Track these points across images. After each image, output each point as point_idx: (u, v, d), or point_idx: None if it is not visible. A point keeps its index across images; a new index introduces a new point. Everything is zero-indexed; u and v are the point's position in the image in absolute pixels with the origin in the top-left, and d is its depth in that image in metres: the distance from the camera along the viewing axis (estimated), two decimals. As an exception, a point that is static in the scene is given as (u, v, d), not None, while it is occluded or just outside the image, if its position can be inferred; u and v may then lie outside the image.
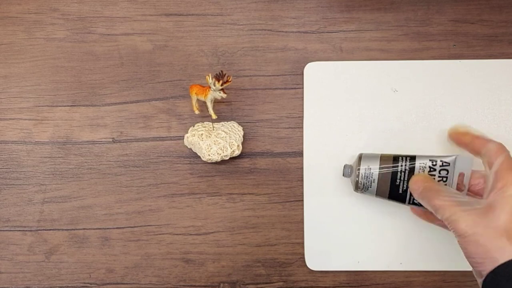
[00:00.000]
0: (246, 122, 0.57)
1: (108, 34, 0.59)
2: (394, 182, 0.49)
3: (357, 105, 0.56)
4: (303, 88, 0.57)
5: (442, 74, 0.56)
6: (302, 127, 0.57)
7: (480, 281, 0.41)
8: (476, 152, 0.47)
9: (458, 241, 0.42)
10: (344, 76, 0.57)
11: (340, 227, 0.56)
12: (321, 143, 0.56)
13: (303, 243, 0.56)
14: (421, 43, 0.58)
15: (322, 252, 0.55)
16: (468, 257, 0.41)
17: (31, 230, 0.57)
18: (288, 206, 0.56)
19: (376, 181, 0.50)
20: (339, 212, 0.56)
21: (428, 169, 0.48)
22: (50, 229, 0.57)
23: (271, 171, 0.57)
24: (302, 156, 0.56)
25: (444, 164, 0.48)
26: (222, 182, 0.57)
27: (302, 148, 0.57)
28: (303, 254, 0.56)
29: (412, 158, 0.49)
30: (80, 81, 0.58)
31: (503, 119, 0.56)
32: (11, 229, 0.57)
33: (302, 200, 0.56)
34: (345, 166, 0.53)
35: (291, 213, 0.56)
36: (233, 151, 0.54)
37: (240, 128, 0.56)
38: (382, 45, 0.58)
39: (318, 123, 0.57)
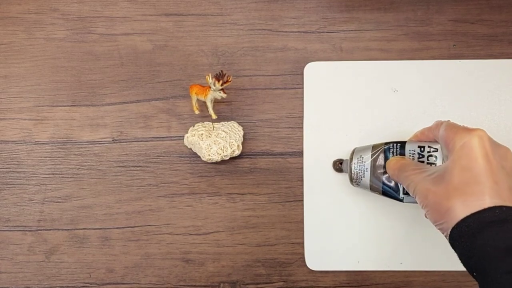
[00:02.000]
0: (246, 122, 0.57)
1: (108, 34, 0.59)
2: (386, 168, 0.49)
3: (357, 105, 0.56)
4: (303, 88, 0.57)
5: (442, 74, 0.56)
6: (302, 127, 0.57)
7: None
8: (433, 139, 0.47)
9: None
10: (344, 76, 0.57)
11: (340, 227, 0.56)
12: (321, 143, 0.56)
13: (303, 243, 0.56)
14: (421, 43, 0.58)
15: (322, 252, 0.55)
16: (434, 225, 0.40)
17: (31, 230, 0.57)
18: (288, 206, 0.56)
19: (368, 170, 0.49)
20: (339, 212, 0.56)
21: (417, 155, 0.48)
22: (50, 229, 0.57)
23: (271, 171, 0.57)
24: (302, 156, 0.56)
25: (432, 150, 0.47)
26: (222, 182, 0.57)
27: (302, 148, 0.57)
28: (303, 254, 0.56)
29: (402, 144, 0.49)
30: (80, 81, 0.59)
31: (503, 119, 0.56)
32: (11, 229, 0.57)
33: (302, 200, 0.56)
34: (343, 162, 0.53)
35: (291, 213, 0.56)
36: (233, 151, 0.54)
37: (240, 128, 0.56)
38: (382, 45, 0.58)
39: (318, 123, 0.57)
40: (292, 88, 0.58)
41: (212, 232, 0.57)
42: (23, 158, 0.58)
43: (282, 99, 0.58)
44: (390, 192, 0.49)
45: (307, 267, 0.56)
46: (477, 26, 0.58)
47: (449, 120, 0.44)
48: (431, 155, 0.47)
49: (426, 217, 0.45)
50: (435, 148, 0.47)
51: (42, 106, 0.58)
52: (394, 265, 0.55)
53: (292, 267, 0.56)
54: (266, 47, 0.58)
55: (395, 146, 0.49)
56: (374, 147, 0.50)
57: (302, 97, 0.57)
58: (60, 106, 0.58)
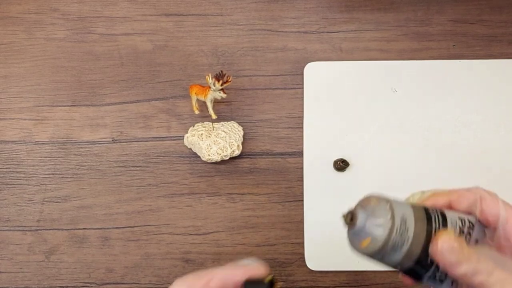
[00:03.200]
0: (246, 122, 0.57)
1: (108, 34, 0.59)
2: (427, 244, 0.34)
3: (357, 105, 0.56)
4: (303, 88, 0.57)
5: (442, 74, 0.56)
6: (302, 127, 0.57)
7: None
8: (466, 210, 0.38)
9: None
10: (344, 76, 0.57)
11: (340, 227, 0.55)
12: (321, 143, 0.56)
13: (303, 243, 0.56)
14: (421, 43, 0.58)
15: (322, 252, 0.55)
16: None
17: (31, 230, 0.57)
18: (288, 206, 0.56)
19: (410, 240, 0.34)
20: (339, 212, 0.55)
21: (459, 230, 0.36)
22: (50, 229, 0.57)
23: (271, 171, 0.57)
24: (302, 156, 0.56)
25: (470, 226, 0.36)
26: (222, 182, 0.57)
27: (302, 148, 0.57)
28: (303, 254, 0.56)
29: (443, 215, 0.35)
30: (80, 81, 0.59)
31: (503, 119, 0.56)
32: (11, 229, 0.57)
33: (302, 200, 0.56)
34: (358, 213, 0.36)
35: (291, 213, 0.56)
36: (233, 151, 0.54)
37: (240, 128, 0.56)
38: (382, 45, 0.58)
39: (318, 123, 0.57)
40: (292, 88, 0.58)
41: (212, 232, 0.57)
42: (23, 158, 0.58)
43: (282, 99, 0.58)
44: (417, 272, 0.37)
45: (307, 267, 0.56)
46: (477, 27, 0.58)
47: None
48: (469, 233, 0.36)
49: None
50: (472, 224, 0.36)
51: (42, 106, 0.58)
52: (394, 265, 0.55)
53: (292, 267, 0.56)
54: (266, 47, 0.58)
55: (437, 217, 0.35)
56: (414, 208, 0.35)
57: (302, 97, 0.57)
58: (60, 106, 0.58)
